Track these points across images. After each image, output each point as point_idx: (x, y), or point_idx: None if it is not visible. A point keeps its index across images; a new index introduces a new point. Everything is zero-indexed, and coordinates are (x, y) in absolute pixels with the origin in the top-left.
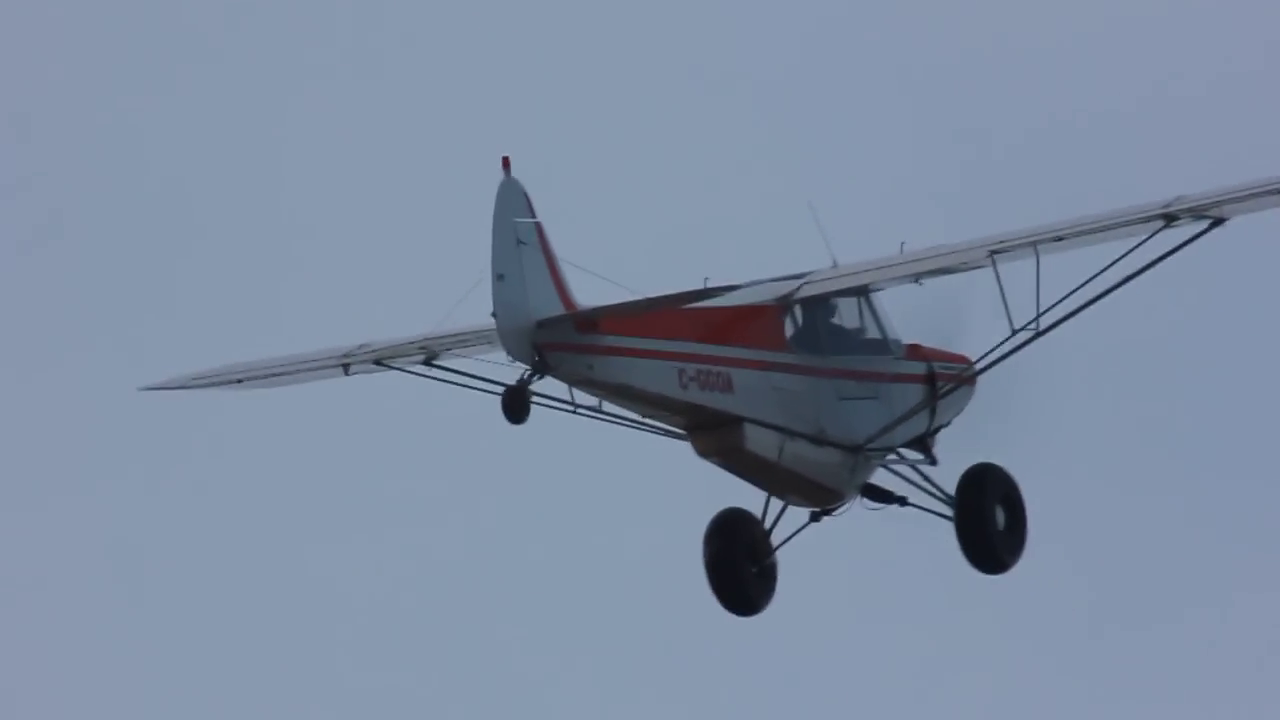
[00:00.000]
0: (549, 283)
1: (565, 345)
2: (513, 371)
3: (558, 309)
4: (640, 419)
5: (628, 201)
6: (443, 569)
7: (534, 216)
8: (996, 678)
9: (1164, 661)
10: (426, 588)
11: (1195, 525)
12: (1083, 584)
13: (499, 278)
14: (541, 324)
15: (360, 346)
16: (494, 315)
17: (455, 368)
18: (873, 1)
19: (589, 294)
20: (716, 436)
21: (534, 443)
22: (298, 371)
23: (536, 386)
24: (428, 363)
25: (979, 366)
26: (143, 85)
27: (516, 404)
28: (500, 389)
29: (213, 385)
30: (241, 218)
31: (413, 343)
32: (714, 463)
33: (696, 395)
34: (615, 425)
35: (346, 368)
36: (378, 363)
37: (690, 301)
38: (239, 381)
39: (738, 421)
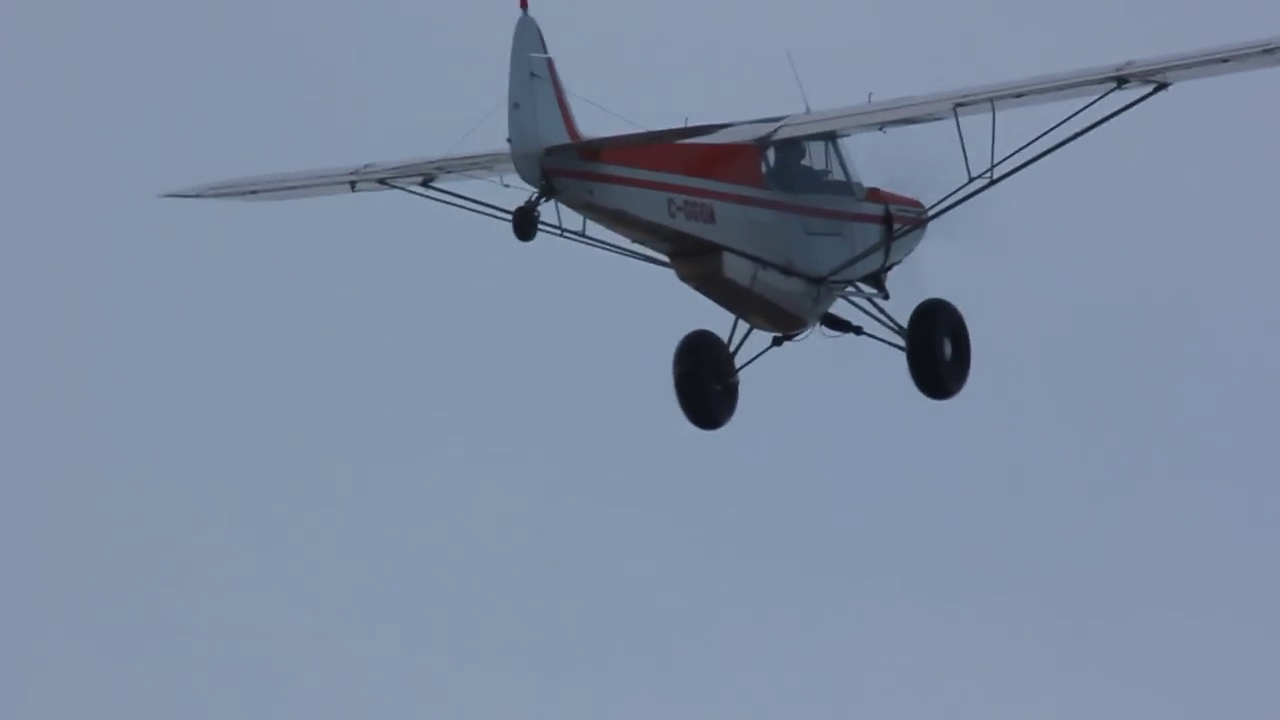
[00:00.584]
0: (558, 114)
1: (570, 171)
2: (505, 195)
3: (564, 138)
4: (630, 244)
5: (630, 42)
6: (429, 374)
7: (546, 53)
8: (937, 494)
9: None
10: (414, 393)
11: (1124, 364)
12: (1022, 415)
13: (514, 106)
14: (550, 151)
15: (366, 166)
16: (509, 140)
17: (454, 190)
18: None
19: (593, 126)
20: (698, 262)
21: (528, 263)
22: (308, 186)
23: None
24: (425, 184)
25: (932, 212)
26: None
27: (525, 223)
28: (491, 211)
29: (228, 195)
30: (268, 41)
31: (413, 165)
32: (693, 286)
33: (683, 224)
34: (605, 251)
35: (353, 185)
36: (381, 182)
37: (683, 137)
38: (253, 193)
39: (717, 250)
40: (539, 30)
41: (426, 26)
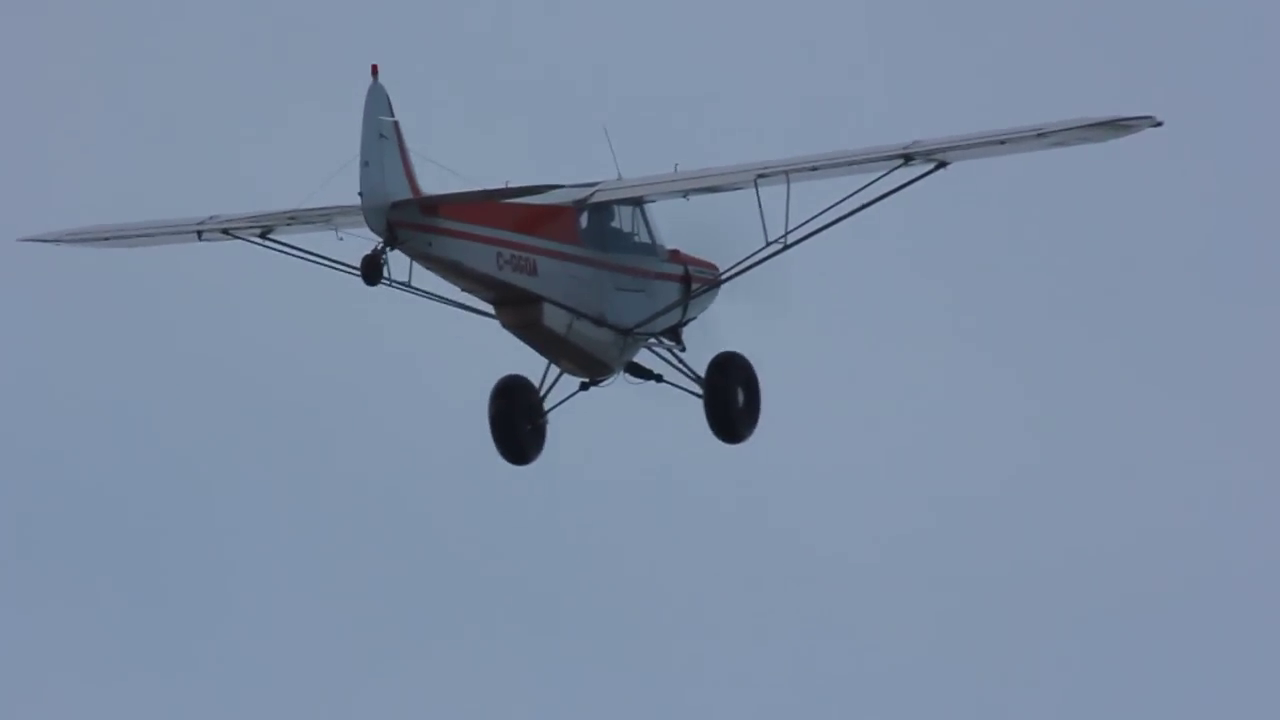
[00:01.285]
0: (402, 172)
1: (412, 224)
2: (337, 247)
3: (408, 194)
4: (461, 291)
5: (465, 107)
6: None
7: (393, 116)
8: (725, 529)
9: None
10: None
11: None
12: (807, 458)
13: (365, 164)
14: (395, 205)
15: (211, 217)
16: (360, 194)
17: (292, 242)
18: None
19: (432, 184)
20: (520, 311)
21: (362, 309)
22: (158, 234)
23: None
24: (263, 235)
25: (726, 274)
26: None
27: (372, 270)
28: (325, 261)
29: (82, 242)
30: (135, 85)
31: (257, 216)
32: (514, 333)
33: (509, 276)
34: (429, 302)
35: (200, 234)
36: (224, 232)
37: (511, 197)
38: (105, 239)
39: (539, 300)
40: (388, 96)
41: (282, 87)
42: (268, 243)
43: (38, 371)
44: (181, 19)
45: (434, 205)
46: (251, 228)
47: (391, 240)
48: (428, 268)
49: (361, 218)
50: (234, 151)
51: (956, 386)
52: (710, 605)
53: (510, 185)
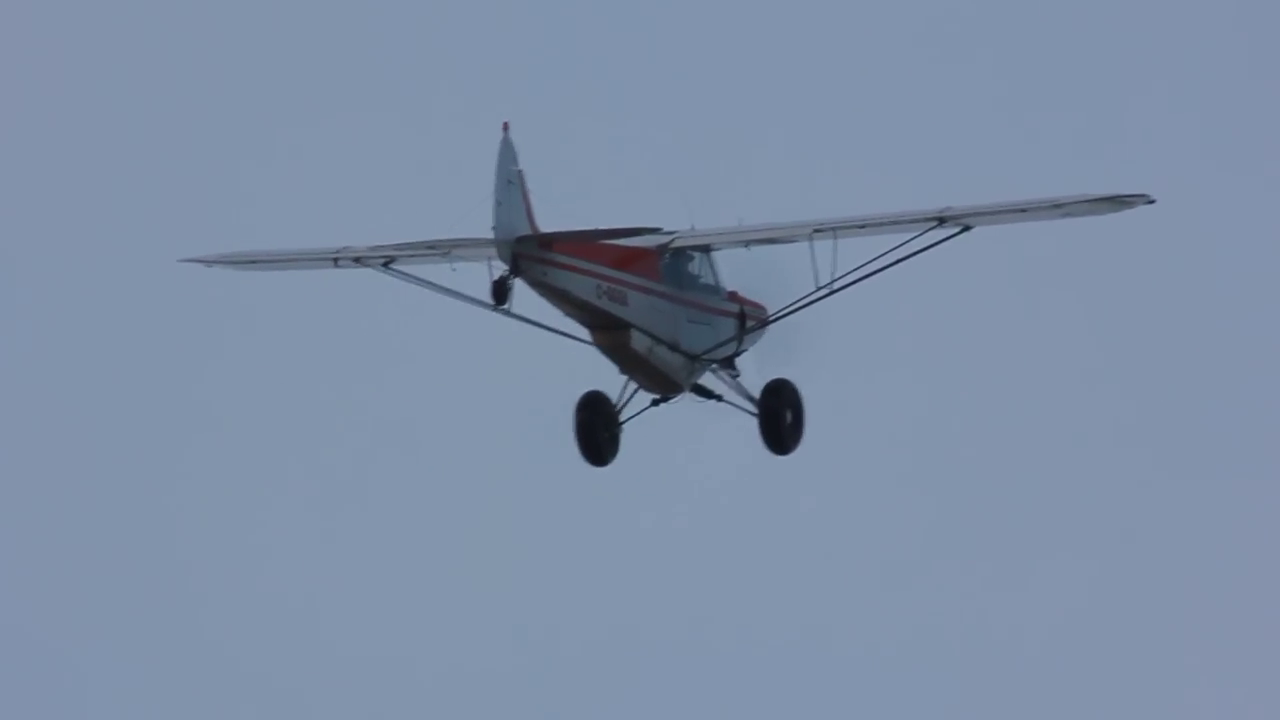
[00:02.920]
0: (524, 212)
1: (531, 256)
2: (452, 278)
3: (528, 230)
4: (563, 316)
5: (574, 157)
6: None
7: (519, 165)
8: (774, 529)
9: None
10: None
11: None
12: (846, 470)
13: (497, 204)
14: (519, 239)
15: (344, 247)
16: (492, 229)
17: (410, 271)
18: None
19: (548, 221)
20: (612, 335)
21: (474, 332)
22: (298, 260)
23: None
24: (386, 265)
25: (774, 314)
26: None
27: (500, 293)
28: (434, 288)
29: (232, 264)
30: (290, 125)
31: (378, 248)
32: (604, 353)
33: (606, 304)
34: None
35: (336, 261)
36: (356, 260)
37: (610, 238)
38: (253, 263)
39: (628, 326)
40: (514, 148)
41: (424, 138)
42: (391, 271)
43: (186, 377)
44: (337, 75)
45: (549, 241)
46: (377, 257)
47: (515, 269)
48: (540, 293)
49: (476, 251)
50: (368, 189)
51: (963, 409)
52: (747, 592)
53: (608, 228)
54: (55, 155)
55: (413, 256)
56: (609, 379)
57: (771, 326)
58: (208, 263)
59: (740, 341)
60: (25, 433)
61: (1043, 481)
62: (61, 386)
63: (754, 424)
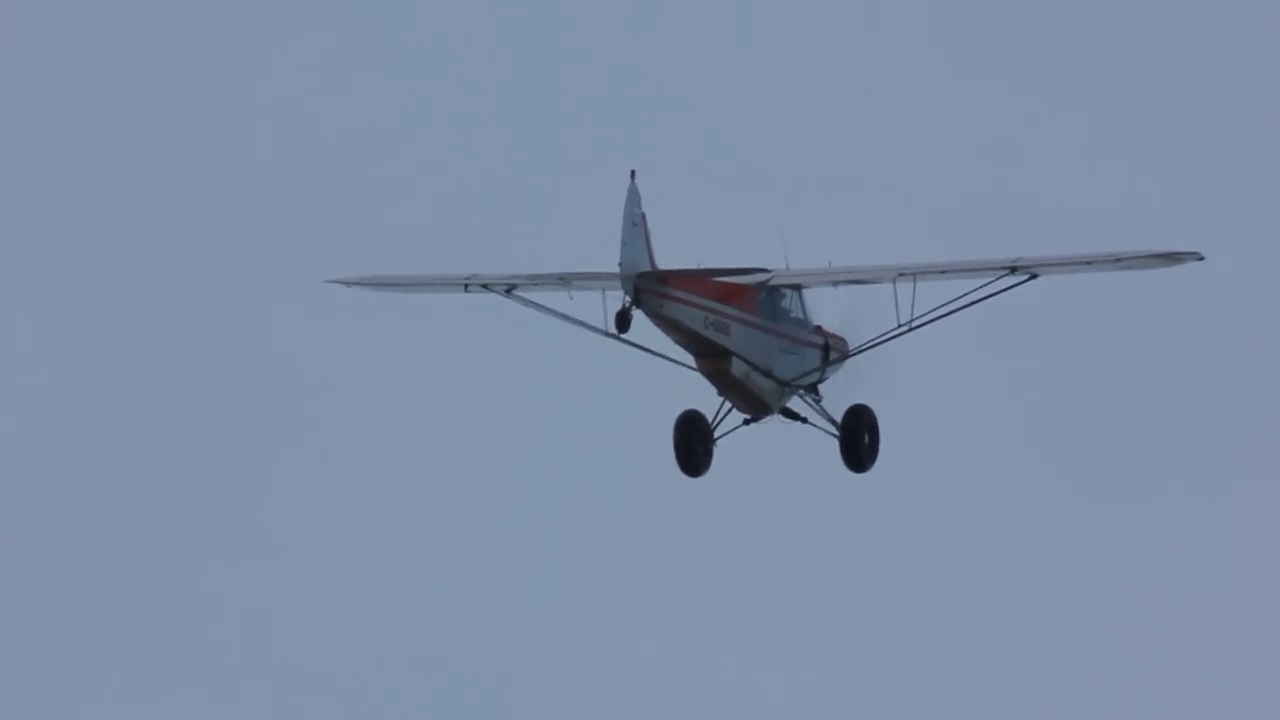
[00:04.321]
0: (646, 250)
1: (650, 290)
2: (569, 304)
3: (649, 267)
4: (673, 343)
5: (686, 201)
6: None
7: (642, 209)
8: (853, 539)
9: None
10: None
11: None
12: (917, 489)
13: (623, 243)
14: (640, 274)
15: (472, 275)
16: (619, 264)
17: (532, 299)
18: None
19: (665, 260)
20: (715, 361)
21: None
22: (432, 285)
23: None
24: (507, 293)
25: (855, 347)
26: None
27: (623, 321)
28: (562, 314)
29: (373, 286)
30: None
31: (514, 277)
32: (707, 377)
33: (711, 334)
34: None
35: (466, 287)
36: (484, 286)
37: (715, 276)
38: (395, 286)
39: (729, 354)
40: (639, 193)
41: (554, 182)
42: (514, 297)
43: (316, 385)
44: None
45: (666, 277)
46: (501, 284)
47: (636, 300)
48: (655, 323)
49: (597, 282)
50: (503, 224)
51: (1022, 437)
52: (820, 591)
53: (719, 268)
54: (223, 174)
55: (534, 285)
56: (707, 399)
57: (853, 358)
58: (348, 283)
59: (824, 370)
60: (162, 429)
61: (1078, 505)
62: (188, 383)
63: (835, 444)
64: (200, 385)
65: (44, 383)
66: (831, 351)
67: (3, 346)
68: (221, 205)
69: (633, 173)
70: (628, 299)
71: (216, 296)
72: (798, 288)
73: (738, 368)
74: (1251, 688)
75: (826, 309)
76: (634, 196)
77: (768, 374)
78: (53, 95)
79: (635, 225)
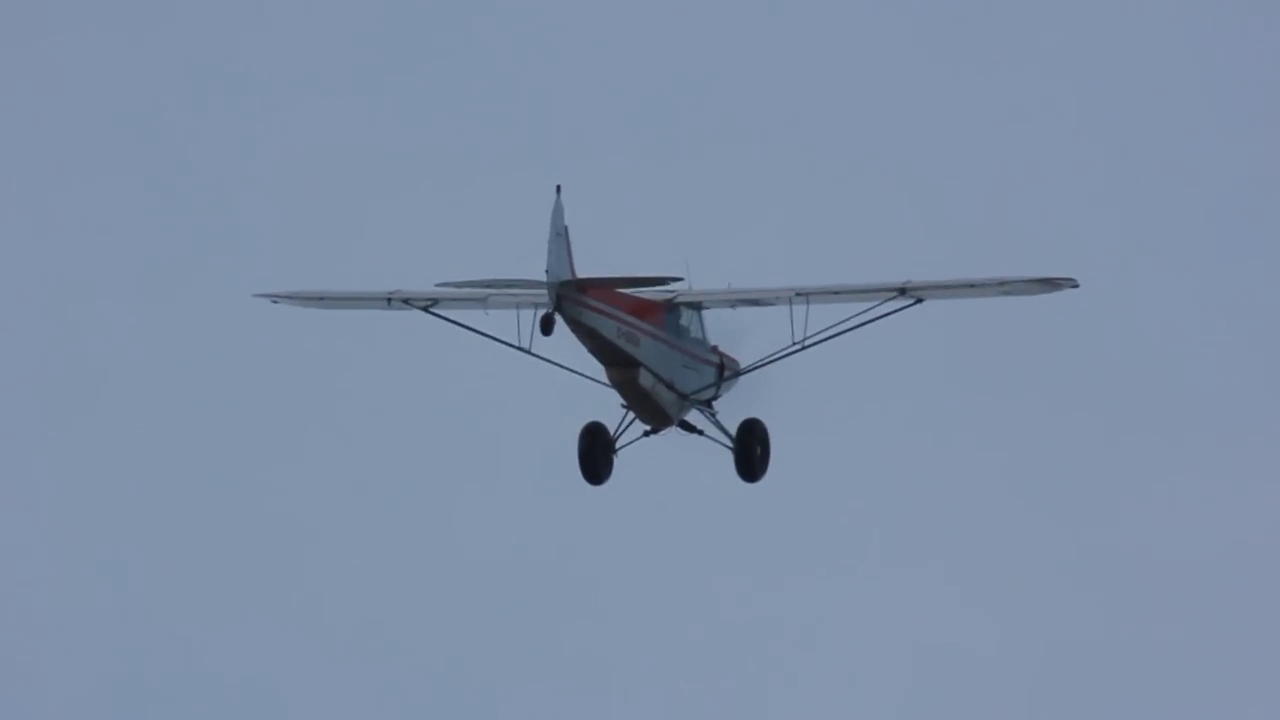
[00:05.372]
0: (567, 260)
1: (571, 298)
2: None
3: (569, 276)
4: (586, 350)
5: (602, 214)
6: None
7: (565, 222)
8: (742, 542)
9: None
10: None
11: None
12: (805, 491)
13: (549, 252)
14: (563, 283)
15: (394, 291)
16: (546, 272)
17: (449, 315)
18: None
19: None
20: (624, 371)
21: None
22: (356, 300)
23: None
24: (426, 310)
25: (748, 367)
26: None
27: (547, 325)
28: (471, 329)
29: (299, 301)
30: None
31: (425, 294)
32: (615, 387)
33: (624, 344)
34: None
35: (389, 302)
36: (405, 301)
37: (631, 287)
38: (320, 300)
39: (637, 364)
40: (563, 207)
41: (473, 195)
42: (433, 314)
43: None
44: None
45: (584, 286)
46: (421, 301)
47: (558, 307)
48: (572, 329)
49: (521, 293)
50: (419, 237)
51: (905, 448)
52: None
53: (635, 276)
54: (146, 190)
55: (454, 303)
56: (610, 412)
57: (745, 376)
58: (275, 299)
59: (719, 387)
60: (82, 441)
61: (955, 509)
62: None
63: (729, 455)
64: (124, 400)
65: None
66: (726, 370)
67: None
68: (152, 216)
69: (558, 188)
70: (550, 305)
71: (145, 307)
72: (698, 307)
73: (645, 378)
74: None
75: (721, 327)
76: (558, 211)
77: (670, 387)
78: None
79: (559, 236)
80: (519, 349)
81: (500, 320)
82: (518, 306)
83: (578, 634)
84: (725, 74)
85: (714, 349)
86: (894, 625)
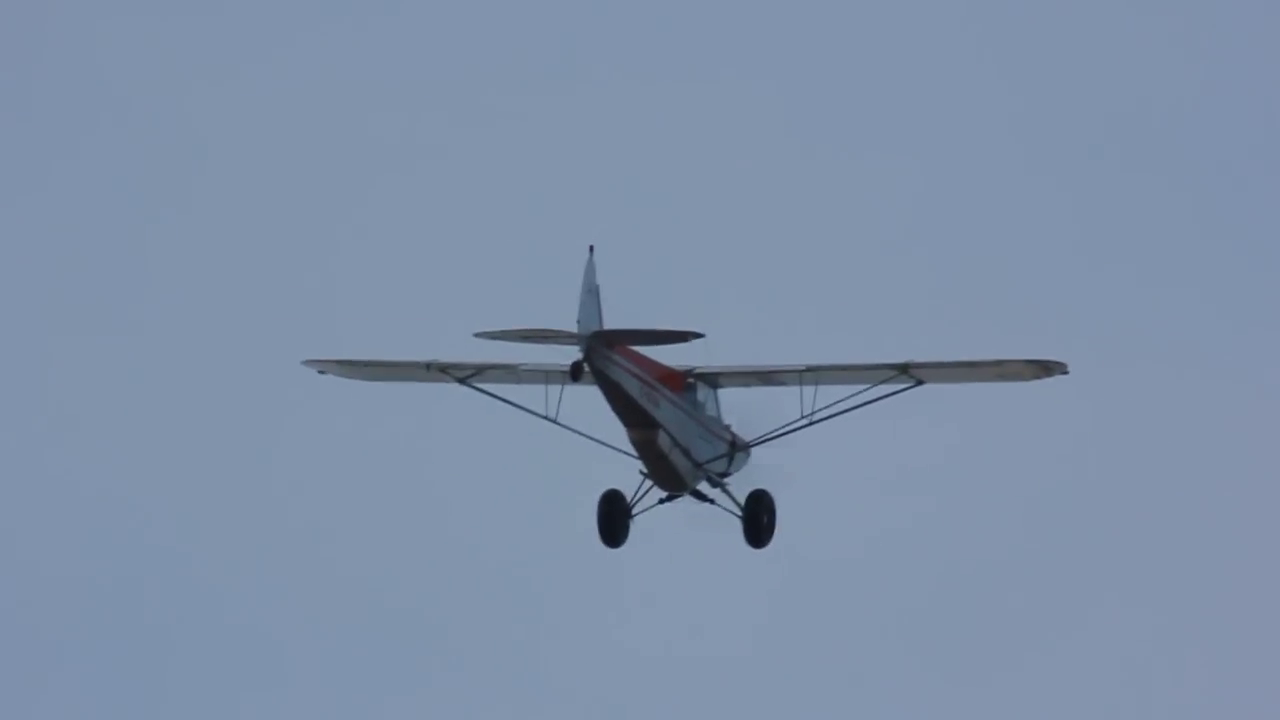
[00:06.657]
0: (598, 316)
1: (599, 351)
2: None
3: (598, 327)
4: (610, 408)
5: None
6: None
7: (597, 280)
8: (748, 602)
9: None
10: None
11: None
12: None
13: (581, 306)
14: (593, 334)
15: (432, 360)
16: (577, 323)
17: (485, 388)
18: None
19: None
20: (644, 431)
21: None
22: (396, 367)
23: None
24: (462, 381)
25: (756, 442)
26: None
27: (577, 372)
28: (502, 400)
29: (345, 366)
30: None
31: (460, 363)
32: (635, 446)
33: (645, 403)
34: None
35: (427, 368)
36: (442, 370)
37: (655, 343)
38: (365, 366)
39: (657, 425)
40: (595, 266)
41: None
42: (469, 385)
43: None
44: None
45: (612, 340)
46: (459, 373)
47: (588, 358)
48: (598, 382)
49: (554, 344)
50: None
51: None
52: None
53: (659, 329)
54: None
55: (489, 374)
56: (628, 480)
57: (755, 450)
58: (321, 369)
59: (731, 461)
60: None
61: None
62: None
63: (738, 523)
64: (168, 464)
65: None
66: (735, 448)
67: None
68: (200, 278)
69: (591, 248)
70: (580, 355)
71: (192, 374)
72: (714, 386)
73: (663, 440)
74: None
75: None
76: (590, 269)
77: (686, 453)
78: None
79: (591, 293)
80: (545, 419)
81: (529, 393)
82: (546, 380)
83: (605, 686)
84: (744, 151)
85: (727, 427)
86: (890, 692)
